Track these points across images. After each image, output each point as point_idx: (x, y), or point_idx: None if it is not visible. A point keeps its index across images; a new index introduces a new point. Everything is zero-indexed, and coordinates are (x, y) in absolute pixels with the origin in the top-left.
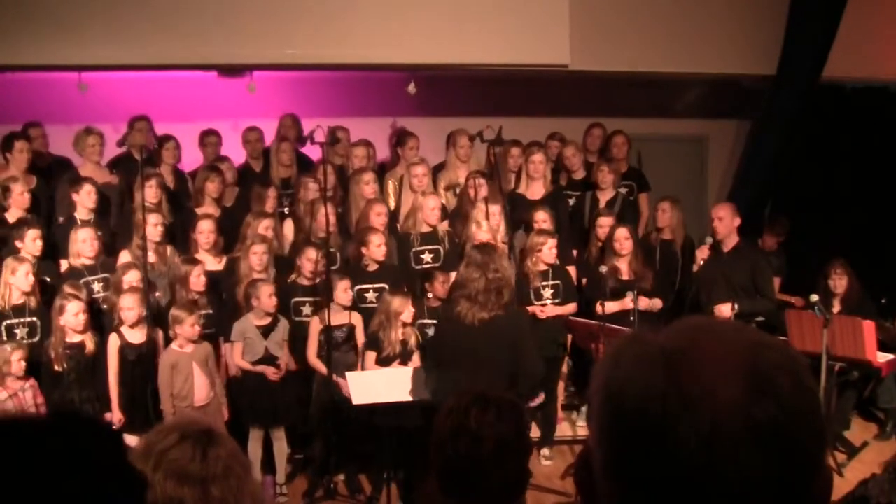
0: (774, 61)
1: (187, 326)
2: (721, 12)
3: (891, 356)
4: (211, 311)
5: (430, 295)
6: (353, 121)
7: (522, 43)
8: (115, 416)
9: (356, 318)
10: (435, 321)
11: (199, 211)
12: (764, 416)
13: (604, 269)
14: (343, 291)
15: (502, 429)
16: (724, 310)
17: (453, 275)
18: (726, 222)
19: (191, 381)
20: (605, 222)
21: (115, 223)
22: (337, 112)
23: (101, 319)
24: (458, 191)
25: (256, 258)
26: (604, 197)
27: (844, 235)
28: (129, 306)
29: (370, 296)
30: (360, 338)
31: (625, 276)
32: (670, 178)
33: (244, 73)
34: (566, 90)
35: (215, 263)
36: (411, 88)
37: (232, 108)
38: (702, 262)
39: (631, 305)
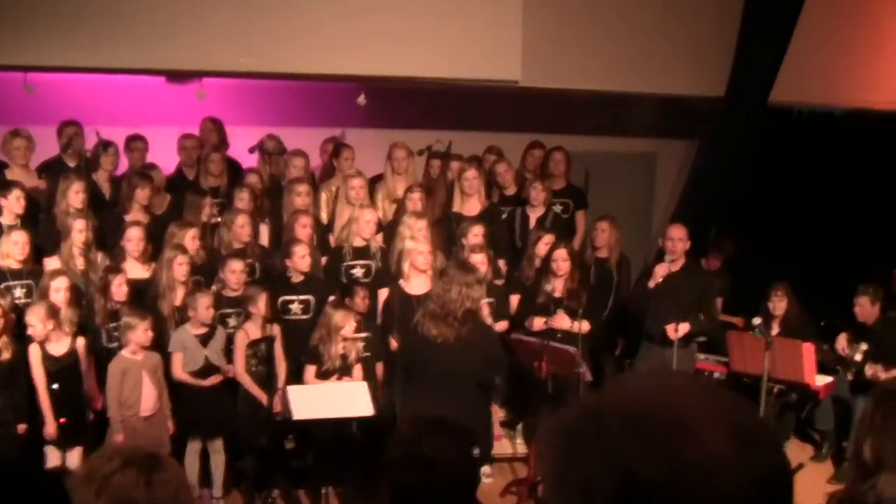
0: (724, 83)
1: (140, 332)
2: (672, 34)
3: (829, 379)
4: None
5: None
6: (299, 130)
7: (474, 58)
8: (50, 428)
9: (275, 329)
10: (364, 334)
11: (127, 218)
12: (760, 469)
13: (549, 287)
14: (262, 303)
15: (453, 456)
16: (671, 329)
17: (383, 291)
18: (684, 243)
19: (139, 389)
20: (547, 240)
21: (42, 229)
22: (284, 121)
23: (22, 327)
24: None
25: (180, 269)
26: (534, 214)
27: (787, 258)
28: (33, 322)
29: (295, 307)
30: (279, 349)
31: (557, 294)
32: (618, 196)
33: (193, 80)
34: (516, 106)
35: (143, 271)
36: (361, 99)
37: (179, 115)
38: (661, 280)
39: (561, 324)
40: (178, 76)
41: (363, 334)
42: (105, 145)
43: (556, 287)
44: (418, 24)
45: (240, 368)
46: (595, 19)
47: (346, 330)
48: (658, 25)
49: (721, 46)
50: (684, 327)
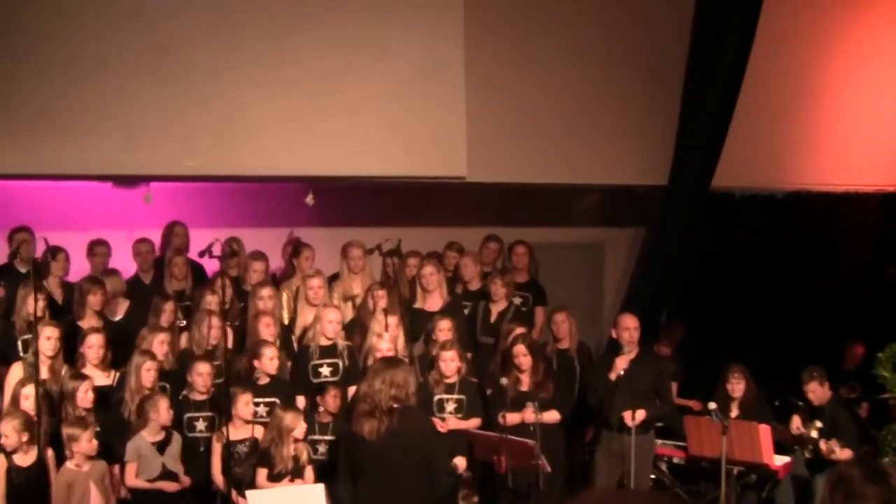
0: (667, 171)
1: (84, 442)
2: (614, 125)
3: (787, 459)
4: (98, 429)
5: (321, 409)
6: (249, 231)
7: (420, 155)
8: None
9: (258, 431)
10: (330, 437)
11: (82, 324)
12: None
13: (504, 381)
14: (245, 405)
15: None
16: (628, 416)
17: (352, 389)
18: (638, 332)
19: (87, 501)
20: (518, 333)
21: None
22: (233, 222)
23: None
24: (356, 302)
25: (148, 375)
26: (496, 308)
27: (736, 339)
28: (7, 433)
29: (261, 409)
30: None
31: (524, 387)
32: (567, 286)
33: (140, 183)
34: (464, 200)
35: (104, 378)
36: (309, 200)
37: (126, 218)
38: (622, 372)
39: (530, 417)
40: (123, 180)
41: (329, 437)
42: (54, 251)
43: (523, 381)
44: (364, 124)
45: (216, 470)
46: (538, 113)
47: (297, 432)
48: (600, 117)
49: (662, 136)
50: (641, 414)
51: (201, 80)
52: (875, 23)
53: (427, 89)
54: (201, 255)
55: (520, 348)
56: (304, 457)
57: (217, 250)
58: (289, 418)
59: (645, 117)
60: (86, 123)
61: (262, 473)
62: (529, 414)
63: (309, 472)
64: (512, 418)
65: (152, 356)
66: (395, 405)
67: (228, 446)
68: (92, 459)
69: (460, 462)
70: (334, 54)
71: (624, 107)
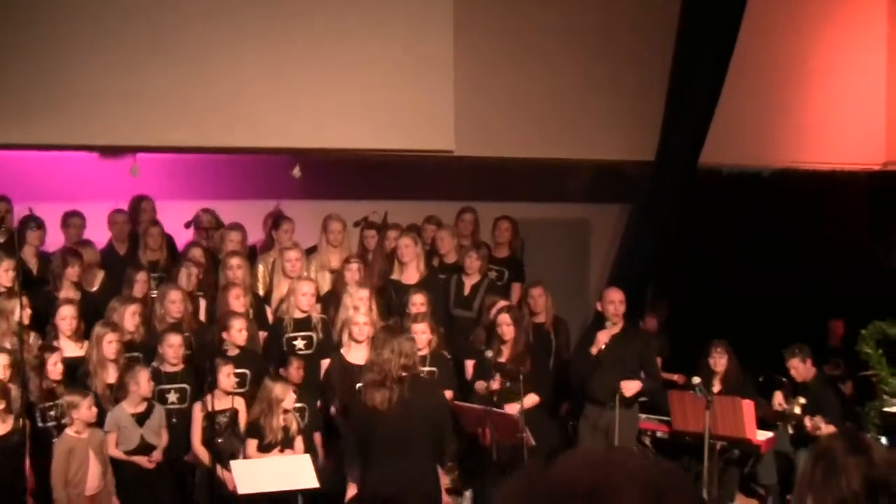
0: (654, 148)
1: (84, 409)
2: (602, 101)
3: (769, 434)
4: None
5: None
6: (234, 203)
7: (408, 128)
8: None
9: (238, 403)
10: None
11: (59, 295)
12: None
13: (489, 353)
14: (226, 377)
15: None
16: (624, 387)
17: (325, 362)
18: (623, 305)
19: (85, 467)
20: (500, 306)
21: None
22: (219, 195)
23: None
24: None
25: (110, 346)
26: (469, 281)
27: (721, 316)
28: None
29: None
30: (244, 422)
31: (503, 359)
32: (554, 261)
33: (127, 155)
34: (450, 175)
35: (76, 349)
36: (296, 172)
37: (113, 190)
38: (603, 347)
39: (513, 409)
40: (110, 151)
41: (298, 405)
42: (31, 221)
43: (504, 352)
44: (352, 97)
45: (196, 440)
46: (526, 88)
47: (286, 402)
48: (588, 93)
49: (650, 112)
50: (636, 385)
51: (190, 54)
52: (860, 4)
53: (415, 63)
54: (187, 226)
55: (504, 317)
56: (293, 427)
57: (203, 222)
58: (278, 389)
59: (633, 93)
60: (72, 95)
61: (251, 444)
62: (494, 384)
63: (299, 442)
64: (482, 387)
65: (114, 327)
66: (405, 374)
67: (212, 417)
68: (91, 427)
69: None
70: (322, 27)
71: (612, 82)
